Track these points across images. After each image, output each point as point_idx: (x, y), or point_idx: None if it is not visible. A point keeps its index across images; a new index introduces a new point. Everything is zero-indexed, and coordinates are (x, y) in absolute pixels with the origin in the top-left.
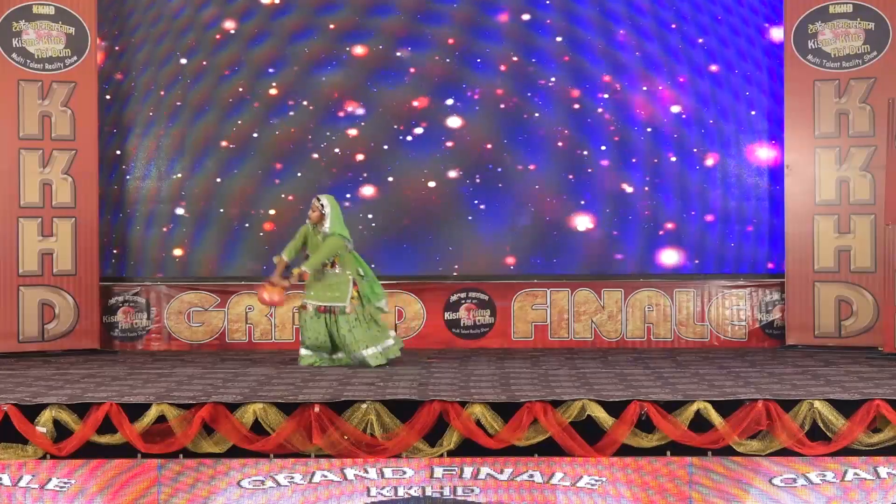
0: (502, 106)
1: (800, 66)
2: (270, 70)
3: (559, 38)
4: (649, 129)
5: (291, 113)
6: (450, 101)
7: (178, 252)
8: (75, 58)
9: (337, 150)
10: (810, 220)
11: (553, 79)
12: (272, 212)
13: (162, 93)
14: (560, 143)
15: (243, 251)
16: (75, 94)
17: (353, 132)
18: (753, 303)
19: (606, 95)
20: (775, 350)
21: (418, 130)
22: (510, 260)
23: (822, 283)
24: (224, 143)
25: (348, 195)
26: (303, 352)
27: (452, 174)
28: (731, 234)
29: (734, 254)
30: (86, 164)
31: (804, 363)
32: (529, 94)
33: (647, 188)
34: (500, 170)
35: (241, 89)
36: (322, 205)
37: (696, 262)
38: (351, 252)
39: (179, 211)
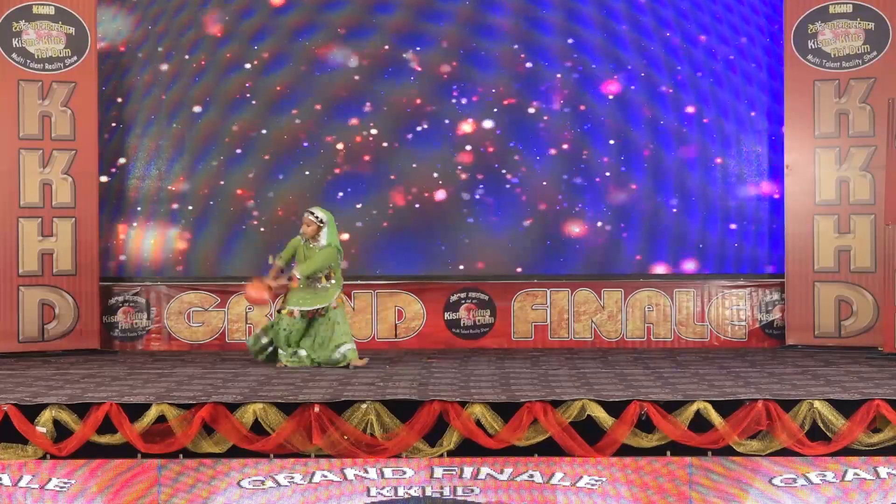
0: (506, 104)
1: (800, 65)
2: (273, 69)
3: (563, 38)
4: (651, 129)
5: (294, 111)
6: (454, 101)
7: (178, 252)
8: (75, 58)
9: (340, 149)
10: (810, 220)
11: (558, 76)
12: (274, 212)
13: (163, 96)
14: (564, 146)
15: (243, 251)
16: (75, 94)
17: (356, 131)
18: (753, 303)
19: (610, 96)
20: (775, 350)
21: (421, 129)
22: (512, 261)
23: (822, 283)
24: (226, 142)
25: (350, 195)
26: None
27: (455, 173)
28: (731, 234)
29: (734, 254)
30: (86, 164)
31: (804, 363)
32: (533, 94)
33: (648, 188)
34: (503, 170)
35: (243, 90)
36: (318, 217)
37: (697, 262)
38: (339, 265)
39: (179, 210)
